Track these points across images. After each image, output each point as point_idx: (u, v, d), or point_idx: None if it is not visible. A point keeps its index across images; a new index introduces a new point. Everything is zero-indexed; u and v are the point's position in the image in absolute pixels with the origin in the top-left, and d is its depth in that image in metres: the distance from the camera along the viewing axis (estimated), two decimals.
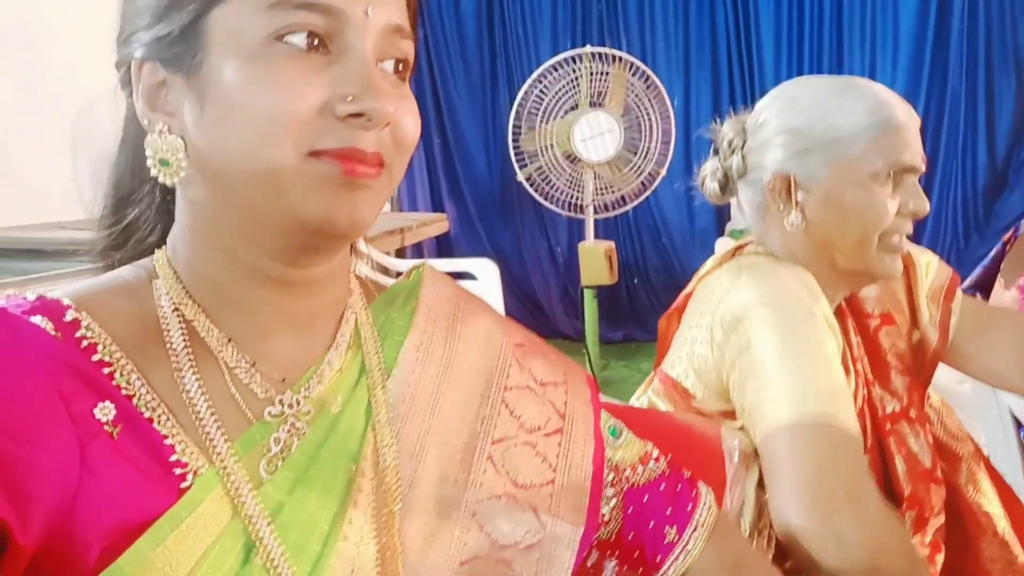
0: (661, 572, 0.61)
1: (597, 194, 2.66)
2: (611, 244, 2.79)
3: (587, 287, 2.78)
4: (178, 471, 0.48)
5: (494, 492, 0.56)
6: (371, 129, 0.48)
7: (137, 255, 0.59)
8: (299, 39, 0.47)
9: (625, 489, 0.63)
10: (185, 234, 0.55)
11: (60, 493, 0.44)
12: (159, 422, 0.48)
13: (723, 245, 2.48)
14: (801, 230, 0.97)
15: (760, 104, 1.04)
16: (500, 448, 0.58)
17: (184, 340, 0.52)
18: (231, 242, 0.52)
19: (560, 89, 2.57)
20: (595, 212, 2.73)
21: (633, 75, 2.63)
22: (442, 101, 4.21)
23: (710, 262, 1.10)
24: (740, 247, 1.08)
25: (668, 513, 0.63)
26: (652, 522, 0.63)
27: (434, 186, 4.28)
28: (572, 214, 2.71)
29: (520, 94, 2.49)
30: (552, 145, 2.56)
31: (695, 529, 0.63)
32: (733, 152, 1.04)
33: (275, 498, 0.50)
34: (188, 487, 0.47)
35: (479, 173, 4.29)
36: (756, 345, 0.89)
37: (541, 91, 2.57)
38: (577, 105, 2.54)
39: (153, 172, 0.52)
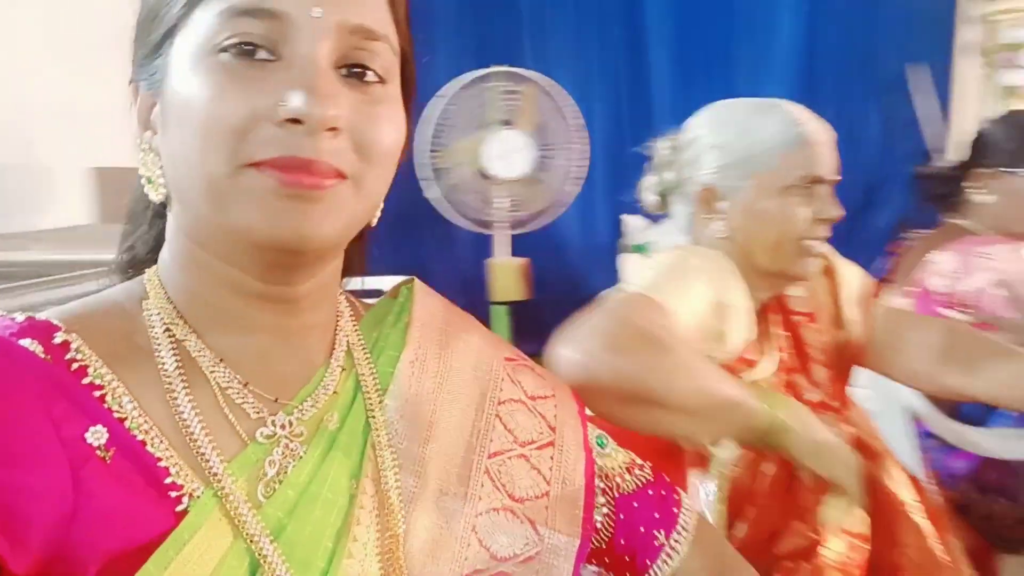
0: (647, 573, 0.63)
1: (509, 211, 2.70)
2: (524, 260, 2.83)
3: (496, 303, 2.81)
4: (173, 494, 0.47)
5: (492, 506, 0.57)
6: (315, 135, 0.46)
7: (132, 274, 0.59)
8: (236, 49, 0.47)
9: (616, 497, 0.65)
10: (172, 253, 0.55)
11: (55, 519, 0.44)
12: (152, 444, 0.48)
13: (628, 261, 2.60)
14: (724, 238, 1.06)
15: (689, 123, 1.13)
16: (496, 462, 0.59)
17: (176, 361, 0.51)
18: (208, 259, 0.52)
19: (471, 108, 2.60)
20: (506, 228, 2.77)
21: (544, 95, 2.70)
22: None
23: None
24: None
25: (656, 518, 0.65)
26: (642, 527, 0.64)
27: None
28: (482, 231, 2.74)
29: (436, 111, 2.48)
30: (462, 163, 2.58)
31: (680, 532, 0.65)
32: (667, 167, 1.14)
33: (276, 517, 0.50)
34: (184, 510, 0.47)
35: None
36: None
37: (449, 109, 2.59)
38: (487, 124, 2.58)
39: (146, 189, 0.54)
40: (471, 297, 3.80)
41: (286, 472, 0.51)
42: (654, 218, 1.29)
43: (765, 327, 1.12)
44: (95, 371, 0.49)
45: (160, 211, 0.57)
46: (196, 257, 0.53)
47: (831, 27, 3.91)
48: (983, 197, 1.57)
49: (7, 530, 0.43)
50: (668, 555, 0.64)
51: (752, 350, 1.08)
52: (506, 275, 2.80)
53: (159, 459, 0.48)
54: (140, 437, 0.48)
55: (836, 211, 1.05)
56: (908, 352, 1.16)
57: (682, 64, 4.00)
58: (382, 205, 0.56)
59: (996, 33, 3.43)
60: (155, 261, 0.58)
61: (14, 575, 0.43)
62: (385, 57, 0.51)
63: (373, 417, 0.56)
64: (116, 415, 0.48)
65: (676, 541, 0.64)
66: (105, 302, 0.55)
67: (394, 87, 0.53)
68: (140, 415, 0.49)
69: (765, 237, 1.05)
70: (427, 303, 0.65)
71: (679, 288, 0.96)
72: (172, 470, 0.48)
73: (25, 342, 0.48)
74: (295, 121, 0.46)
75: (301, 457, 0.53)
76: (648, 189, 1.17)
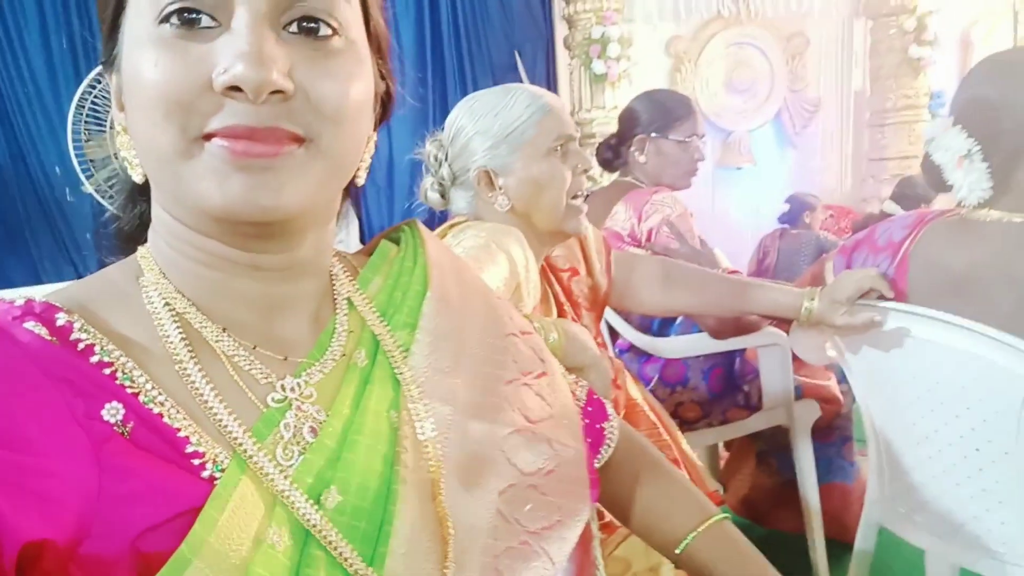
0: (596, 460, 0.74)
1: None
2: None
3: None
4: (196, 461, 0.47)
5: (515, 427, 0.62)
6: (258, 101, 0.45)
7: (122, 253, 0.57)
8: (177, 18, 0.46)
9: (581, 406, 0.75)
10: (158, 230, 0.54)
11: (84, 499, 0.43)
12: (169, 416, 0.48)
13: None
14: (508, 210, 1.20)
15: (448, 121, 1.24)
16: (510, 388, 0.64)
17: (180, 333, 0.51)
18: (190, 234, 0.52)
19: None
20: None
21: None
22: None
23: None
24: (454, 224, 1.26)
25: (599, 414, 0.77)
26: (597, 424, 0.75)
27: None
28: None
29: (79, 97, 2.16)
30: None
31: (612, 419, 0.77)
32: (440, 165, 1.23)
33: (318, 467, 0.51)
34: (211, 476, 0.47)
35: None
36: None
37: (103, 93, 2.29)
38: None
39: (129, 171, 0.53)
40: None
41: (301, 433, 0.51)
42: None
43: (544, 287, 1.30)
44: (102, 349, 0.48)
45: (142, 189, 0.55)
46: (180, 234, 0.52)
47: (448, 19, 4.33)
48: (639, 157, 1.95)
49: (45, 513, 0.41)
50: (610, 440, 0.75)
51: (539, 308, 1.24)
52: None
53: (178, 429, 0.47)
54: (156, 410, 0.47)
55: (588, 160, 1.25)
56: (639, 286, 1.44)
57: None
58: (368, 161, 0.57)
59: (581, 30, 4.09)
60: (143, 238, 0.56)
61: (59, 550, 0.42)
62: (337, 7, 0.49)
63: (402, 377, 0.57)
64: (129, 390, 0.47)
65: (612, 427, 0.76)
66: (101, 282, 0.53)
67: (353, 38, 0.50)
68: (153, 388, 0.48)
69: (543, 199, 1.20)
70: (437, 244, 0.67)
71: (481, 269, 1.05)
72: (193, 439, 0.47)
73: (29, 325, 0.46)
74: (236, 89, 0.44)
75: (334, 403, 0.53)
76: (429, 188, 1.25)
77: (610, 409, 0.78)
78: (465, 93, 4.37)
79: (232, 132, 0.45)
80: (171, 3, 0.45)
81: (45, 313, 0.48)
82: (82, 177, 2.24)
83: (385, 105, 0.60)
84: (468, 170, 1.21)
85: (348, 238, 4.09)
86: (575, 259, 1.39)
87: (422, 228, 0.68)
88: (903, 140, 5.03)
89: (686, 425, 1.89)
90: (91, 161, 2.20)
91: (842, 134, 5.44)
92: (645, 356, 1.89)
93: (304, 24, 0.47)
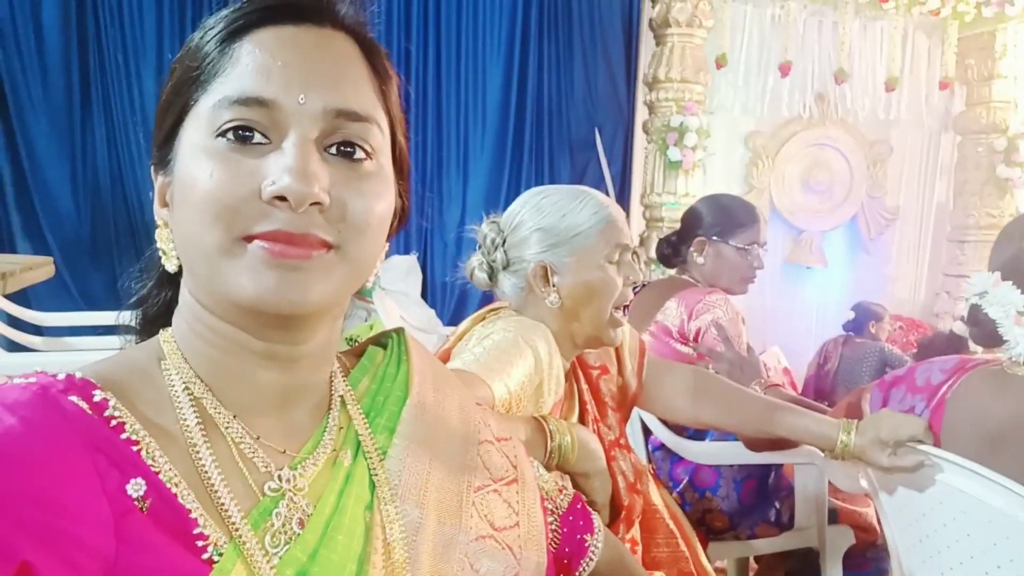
0: (576, 573, 0.75)
1: None
2: None
3: None
4: (200, 543, 0.51)
5: (479, 534, 0.65)
6: (300, 211, 0.51)
7: (144, 334, 0.63)
8: (233, 134, 0.53)
9: (560, 515, 0.77)
10: (185, 317, 0.59)
11: (101, 566, 0.46)
12: (182, 497, 0.51)
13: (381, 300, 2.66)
14: (558, 307, 1.22)
15: (512, 209, 1.29)
16: (479, 496, 0.67)
17: (196, 418, 0.55)
18: (216, 322, 0.57)
19: None
20: None
21: None
22: (15, 126, 3.66)
23: (468, 321, 1.29)
24: (494, 308, 1.30)
25: (582, 525, 0.78)
26: (577, 535, 0.77)
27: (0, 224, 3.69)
28: None
29: None
30: None
31: (597, 532, 0.78)
32: (495, 249, 1.26)
33: (298, 561, 0.54)
34: (209, 558, 0.51)
35: (64, 210, 3.81)
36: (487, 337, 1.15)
37: None
38: None
39: (162, 260, 0.59)
40: None
41: (290, 524, 0.55)
42: None
43: (570, 384, 1.31)
44: (131, 427, 0.52)
45: (171, 278, 0.61)
46: (206, 321, 0.57)
47: (533, 91, 4.46)
48: (698, 258, 1.97)
49: (54, 570, 0.44)
50: (592, 554, 0.76)
51: (563, 404, 1.26)
52: None
53: (189, 511, 0.51)
54: (173, 490, 0.51)
55: (639, 273, 1.28)
56: (669, 395, 1.44)
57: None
58: (379, 267, 0.62)
59: (661, 117, 4.16)
60: (164, 323, 0.61)
61: None
62: (372, 136, 0.56)
63: (376, 478, 0.61)
64: (152, 468, 0.51)
65: (596, 541, 0.77)
66: (128, 362, 0.58)
67: (382, 162, 0.58)
68: (171, 469, 0.52)
69: (592, 304, 1.23)
70: (420, 352, 0.72)
71: (504, 367, 1.08)
72: (200, 521, 0.51)
73: (73, 398, 0.51)
74: (281, 199, 0.51)
75: (320, 497, 0.57)
76: (477, 267, 1.29)
77: (597, 523, 0.79)
78: (541, 167, 4.51)
79: (274, 236, 0.51)
80: (230, 120, 0.52)
81: (84, 389, 0.52)
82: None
83: (400, 219, 0.65)
84: (524, 260, 1.24)
85: (409, 290, 4.20)
86: (607, 357, 1.40)
87: (409, 336, 0.73)
88: (984, 259, 4.87)
89: (712, 534, 1.85)
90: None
91: (919, 246, 5.31)
92: (677, 457, 1.87)
93: (343, 148, 0.55)
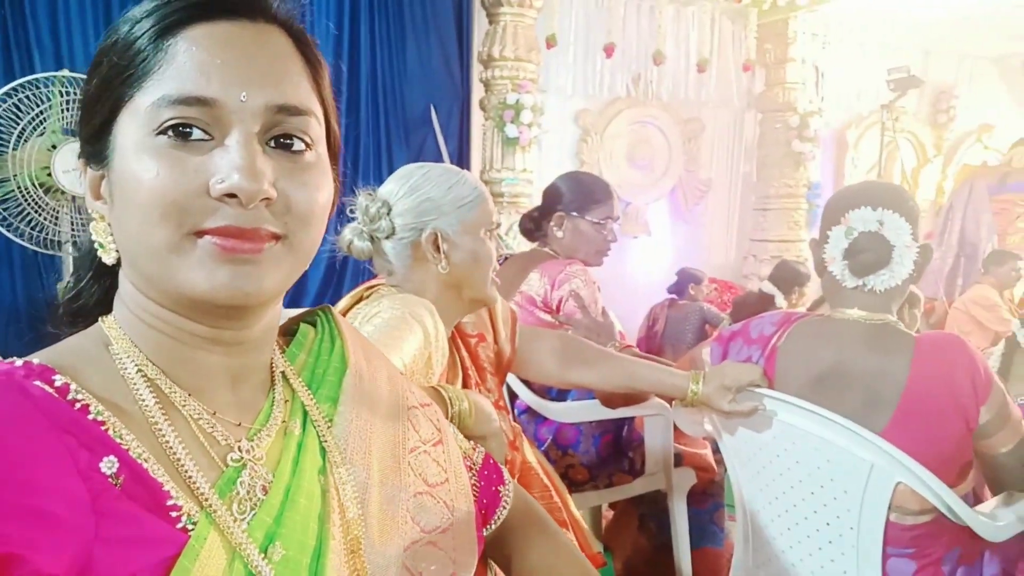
0: (493, 521, 0.83)
1: (78, 230, 2.42)
2: None
3: None
4: (174, 514, 0.53)
5: (416, 491, 0.71)
6: (247, 206, 0.53)
7: (79, 324, 0.62)
8: (173, 132, 0.54)
9: (477, 470, 0.83)
10: (128, 305, 0.60)
11: (82, 544, 0.48)
12: (153, 471, 0.54)
13: None
14: (445, 274, 1.29)
15: (395, 181, 1.33)
16: (413, 456, 0.72)
17: (154, 397, 0.57)
18: (162, 312, 0.59)
19: (36, 114, 2.26)
20: (77, 249, 2.47)
21: None
22: None
23: (347, 299, 1.32)
24: (372, 287, 1.34)
25: (495, 478, 0.85)
26: (492, 487, 0.84)
27: None
28: (51, 252, 2.39)
29: None
30: (21, 174, 2.23)
31: (507, 483, 0.86)
32: (380, 218, 1.30)
33: (265, 524, 0.58)
34: (183, 527, 0.53)
35: None
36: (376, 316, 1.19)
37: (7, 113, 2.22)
38: (45, 132, 2.27)
39: (99, 253, 0.60)
40: (43, 323, 3.21)
41: (254, 491, 0.59)
42: None
43: (452, 353, 1.38)
44: (95, 408, 0.53)
45: (107, 269, 0.61)
46: (151, 310, 0.58)
47: (367, 70, 4.41)
48: (557, 232, 2.09)
49: (56, 556, 0.46)
50: (505, 501, 0.84)
51: (447, 373, 1.32)
52: None
53: (161, 483, 0.53)
54: (144, 465, 0.53)
55: (503, 248, 1.36)
56: (539, 357, 1.55)
57: None
58: (314, 252, 0.65)
59: (497, 94, 4.27)
60: (101, 311, 0.61)
61: None
62: (310, 128, 0.58)
63: (326, 444, 0.65)
64: (122, 446, 0.53)
65: (508, 491, 0.85)
66: (74, 349, 0.58)
67: (320, 152, 0.60)
68: (138, 445, 0.53)
69: (477, 272, 1.31)
70: (348, 328, 0.75)
71: (397, 342, 1.13)
72: (172, 493, 0.53)
73: (37, 383, 0.51)
74: (231, 196, 0.52)
75: (278, 465, 0.61)
76: (356, 237, 1.31)
77: (506, 474, 0.87)
78: (378, 144, 4.48)
79: (224, 232, 0.53)
80: (171, 119, 0.53)
81: (44, 373, 0.52)
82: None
83: (333, 202, 0.67)
84: (411, 228, 1.29)
85: None
86: (483, 326, 1.49)
87: (336, 313, 0.76)
88: (783, 225, 5.47)
89: (574, 487, 1.99)
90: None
91: (729, 214, 5.85)
92: (541, 419, 2.00)
93: (282, 140, 0.56)
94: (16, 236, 2.33)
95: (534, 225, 2.16)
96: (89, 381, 0.55)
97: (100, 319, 0.60)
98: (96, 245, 0.59)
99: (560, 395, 2.00)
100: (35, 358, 0.54)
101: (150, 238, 0.53)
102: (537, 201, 2.22)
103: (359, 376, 0.71)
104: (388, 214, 1.30)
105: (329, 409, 0.67)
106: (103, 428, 0.52)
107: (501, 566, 0.87)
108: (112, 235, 0.58)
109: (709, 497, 2.15)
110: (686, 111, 5.45)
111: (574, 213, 2.08)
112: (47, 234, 2.35)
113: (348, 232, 1.32)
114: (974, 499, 1.32)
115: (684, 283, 4.51)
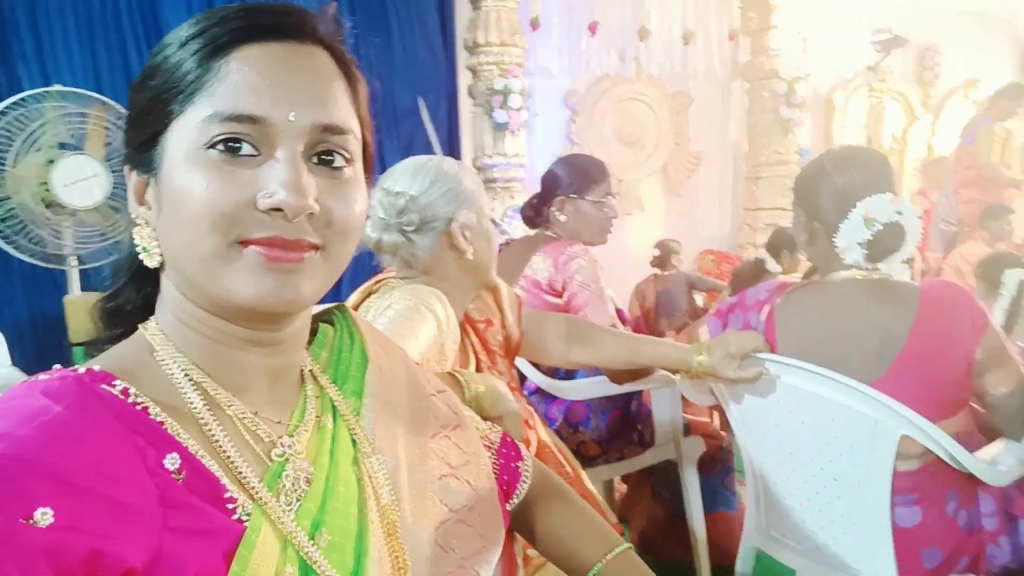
0: (515, 495, 0.87)
1: (81, 243, 2.44)
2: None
3: (78, 344, 2.52)
4: (230, 506, 0.57)
5: (441, 473, 0.75)
6: (292, 220, 0.56)
7: (116, 325, 0.66)
8: (223, 146, 0.57)
9: (496, 449, 0.88)
10: (172, 309, 0.63)
11: (156, 536, 0.52)
12: (209, 467, 0.57)
13: None
14: (471, 261, 1.36)
15: (408, 175, 1.35)
16: (435, 442, 0.77)
17: (200, 398, 0.61)
18: (205, 316, 0.62)
19: (31, 131, 2.28)
20: (81, 263, 2.50)
21: (118, 118, 2.51)
22: None
23: (357, 295, 1.36)
24: (380, 280, 1.37)
25: (513, 455, 0.89)
26: (512, 464, 0.88)
27: None
28: (53, 266, 2.41)
29: None
30: (20, 192, 2.25)
31: (526, 459, 0.90)
32: (406, 212, 1.33)
33: (311, 512, 0.62)
34: (239, 519, 0.57)
35: None
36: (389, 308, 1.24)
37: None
38: (42, 148, 2.29)
39: (141, 256, 0.62)
40: (48, 338, 3.26)
41: (299, 483, 0.62)
42: None
43: (462, 339, 1.43)
44: (154, 410, 0.57)
45: (148, 274, 0.63)
46: (195, 314, 0.61)
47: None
48: (559, 216, 2.12)
49: (136, 545, 0.49)
50: (525, 476, 0.88)
51: (458, 358, 1.37)
52: (82, 314, 2.54)
53: (218, 478, 0.57)
54: (202, 461, 0.57)
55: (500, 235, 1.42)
56: (546, 339, 1.59)
57: None
58: (348, 261, 0.68)
59: (484, 80, 4.28)
60: (140, 315, 0.64)
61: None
62: (350, 145, 0.61)
63: (356, 436, 0.69)
64: (182, 444, 0.56)
65: (527, 466, 0.89)
66: (123, 356, 0.61)
67: (357, 167, 0.63)
68: (195, 443, 0.57)
69: (488, 254, 1.39)
70: (365, 323, 0.79)
71: (411, 332, 1.18)
72: (228, 486, 0.57)
73: (103, 387, 0.55)
74: (277, 210, 0.56)
75: (316, 457, 0.65)
76: (384, 232, 1.34)
77: (524, 450, 0.91)
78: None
79: (270, 242, 0.56)
80: (221, 134, 0.56)
81: (106, 378, 0.56)
82: None
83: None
84: (439, 219, 1.33)
85: None
86: (490, 311, 1.53)
87: (351, 311, 0.80)
88: (776, 193, 5.49)
89: (586, 462, 2.04)
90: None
91: (721, 186, 5.87)
92: (551, 398, 2.04)
93: (324, 157, 0.60)
94: (18, 252, 2.36)
95: (535, 212, 2.19)
96: (141, 386, 0.58)
97: (140, 326, 0.63)
98: (140, 249, 0.62)
99: (568, 374, 2.04)
100: (95, 364, 0.57)
101: (199, 246, 0.56)
102: (530, 185, 2.25)
103: (380, 370, 0.74)
104: (415, 208, 1.34)
105: (355, 403, 0.71)
106: (164, 427, 0.56)
107: (527, 538, 0.91)
108: (157, 241, 0.61)
109: (719, 463, 2.20)
110: (673, 85, 5.46)
111: (574, 195, 2.11)
112: (50, 249, 2.38)
113: (372, 230, 1.35)
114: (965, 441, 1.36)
115: (665, 255, 4.58)
